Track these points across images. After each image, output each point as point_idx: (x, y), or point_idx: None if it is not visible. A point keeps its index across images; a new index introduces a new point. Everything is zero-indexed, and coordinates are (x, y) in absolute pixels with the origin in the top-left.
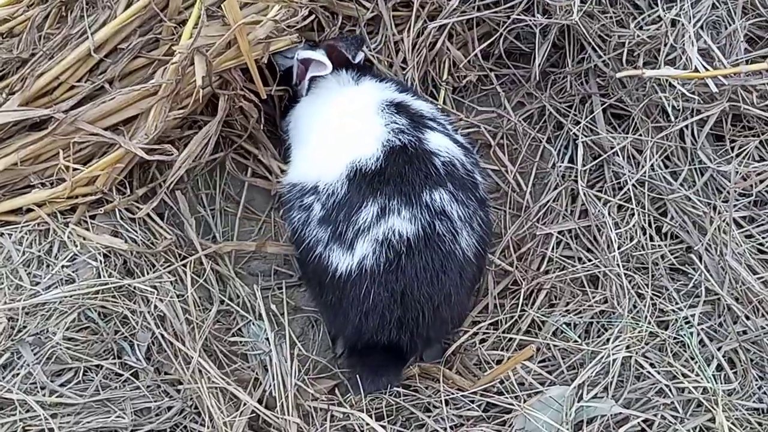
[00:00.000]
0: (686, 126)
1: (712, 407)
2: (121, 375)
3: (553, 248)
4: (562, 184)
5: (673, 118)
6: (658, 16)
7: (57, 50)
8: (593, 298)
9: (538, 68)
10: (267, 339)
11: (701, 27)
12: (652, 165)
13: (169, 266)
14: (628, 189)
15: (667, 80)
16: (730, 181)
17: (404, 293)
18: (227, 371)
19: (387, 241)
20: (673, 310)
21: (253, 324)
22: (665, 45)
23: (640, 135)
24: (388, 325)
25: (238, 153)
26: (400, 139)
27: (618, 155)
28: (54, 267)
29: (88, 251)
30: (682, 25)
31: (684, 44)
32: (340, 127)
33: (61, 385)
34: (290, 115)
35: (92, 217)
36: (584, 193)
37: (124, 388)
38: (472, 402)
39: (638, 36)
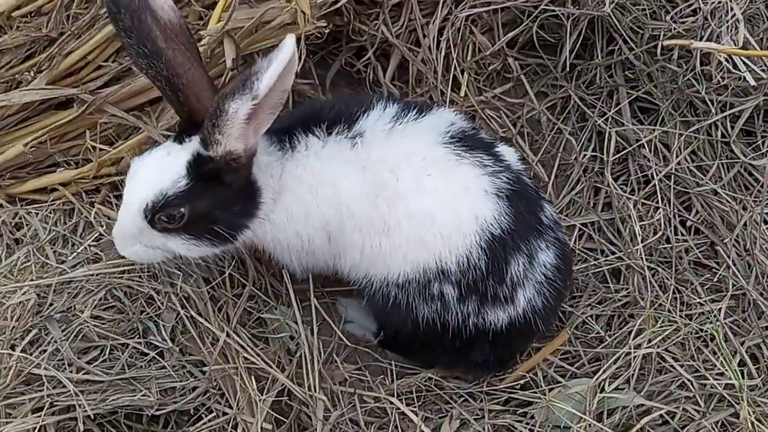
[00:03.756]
0: (718, 120)
1: (734, 402)
2: (147, 354)
3: (575, 240)
4: (585, 176)
5: (710, 109)
6: (693, 10)
7: (85, 30)
8: (616, 291)
9: (568, 56)
10: (293, 322)
11: (737, 21)
12: (678, 159)
13: None
14: (654, 182)
15: (701, 72)
16: (759, 177)
17: None
18: (253, 352)
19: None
20: (699, 304)
21: (278, 307)
22: (701, 39)
23: (668, 128)
24: None
25: None
26: None
27: (644, 148)
28: (80, 246)
29: None
30: (719, 18)
31: (721, 35)
32: None
33: (88, 362)
34: None
35: (117, 197)
36: (609, 185)
37: (149, 368)
38: (496, 393)
39: (674, 29)
